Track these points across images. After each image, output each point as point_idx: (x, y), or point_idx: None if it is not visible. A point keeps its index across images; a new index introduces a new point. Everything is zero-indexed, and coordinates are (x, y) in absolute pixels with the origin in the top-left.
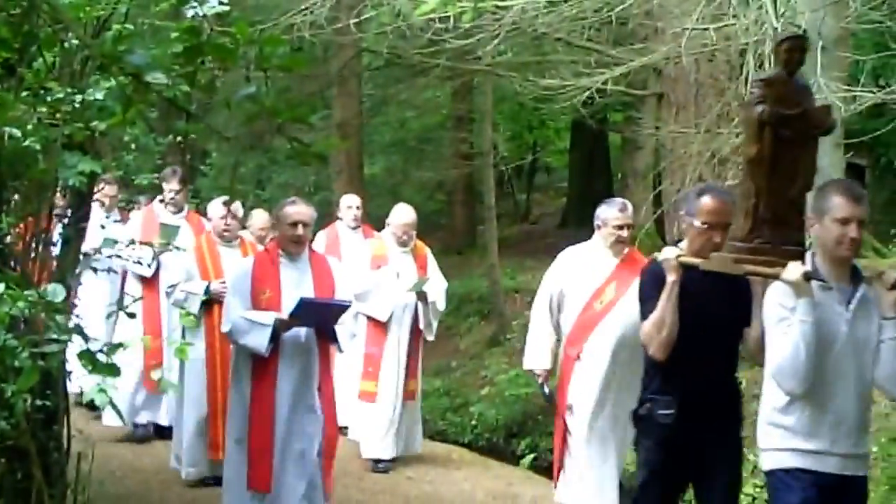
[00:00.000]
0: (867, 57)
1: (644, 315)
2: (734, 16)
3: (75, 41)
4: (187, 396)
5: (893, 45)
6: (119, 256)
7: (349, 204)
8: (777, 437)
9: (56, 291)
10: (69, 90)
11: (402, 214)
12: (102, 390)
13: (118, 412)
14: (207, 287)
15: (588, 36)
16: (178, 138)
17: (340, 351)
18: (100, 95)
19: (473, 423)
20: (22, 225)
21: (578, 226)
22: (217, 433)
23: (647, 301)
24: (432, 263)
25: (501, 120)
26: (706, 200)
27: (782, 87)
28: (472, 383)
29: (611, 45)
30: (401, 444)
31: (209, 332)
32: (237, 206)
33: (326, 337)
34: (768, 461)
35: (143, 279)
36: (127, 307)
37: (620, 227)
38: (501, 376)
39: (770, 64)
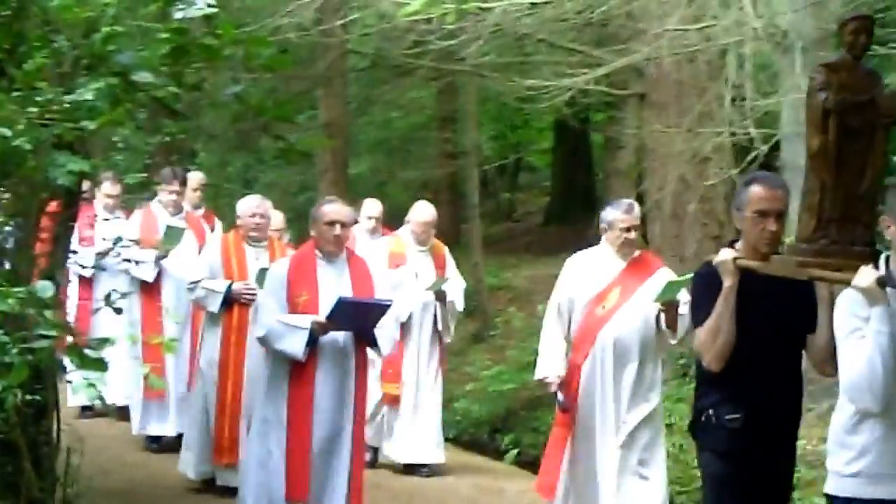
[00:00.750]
0: None
1: (697, 322)
2: (714, 17)
3: (65, 42)
4: (197, 396)
5: (872, 45)
6: (126, 260)
7: (369, 214)
8: (843, 460)
9: (45, 288)
10: (59, 90)
11: (422, 212)
12: (91, 385)
13: (108, 409)
14: (230, 287)
15: (570, 37)
16: (167, 138)
17: (380, 355)
18: (89, 96)
19: (458, 418)
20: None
21: (561, 224)
22: (223, 437)
23: (701, 307)
24: (450, 263)
25: (485, 120)
26: (755, 189)
27: (848, 72)
28: (456, 379)
29: (593, 46)
30: (420, 447)
31: (225, 332)
32: (268, 206)
33: (366, 340)
34: (831, 484)
35: (142, 282)
36: (114, 303)
37: (627, 230)
38: (485, 372)
39: (751, 64)
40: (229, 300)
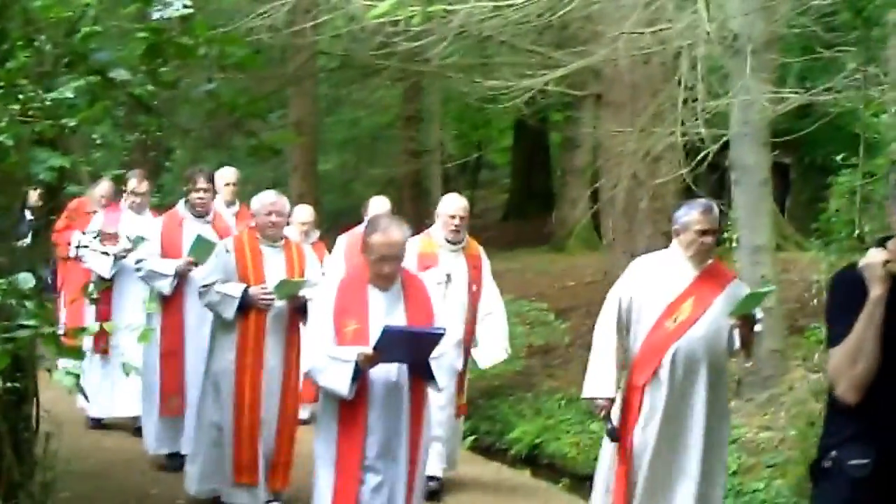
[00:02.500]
0: (795, 60)
1: (833, 340)
2: (669, 20)
3: (46, 41)
4: (207, 407)
5: (819, 48)
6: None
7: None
8: None
9: (26, 280)
10: (40, 88)
11: (452, 203)
12: (70, 373)
13: (84, 394)
14: (246, 290)
15: (531, 39)
16: (144, 135)
17: (438, 390)
18: (69, 93)
19: None
20: None
21: (520, 220)
22: (243, 454)
23: (838, 322)
24: (486, 266)
25: (448, 119)
26: None
27: None
28: None
29: (552, 48)
30: (443, 460)
31: (241, 340)
32: (284, 202)
33: (420, 373)
34: None
35: (160, 294)
36: (91, 294)
37: (704, 233)
38: None
39: (702, 66)
40: (245, 305)
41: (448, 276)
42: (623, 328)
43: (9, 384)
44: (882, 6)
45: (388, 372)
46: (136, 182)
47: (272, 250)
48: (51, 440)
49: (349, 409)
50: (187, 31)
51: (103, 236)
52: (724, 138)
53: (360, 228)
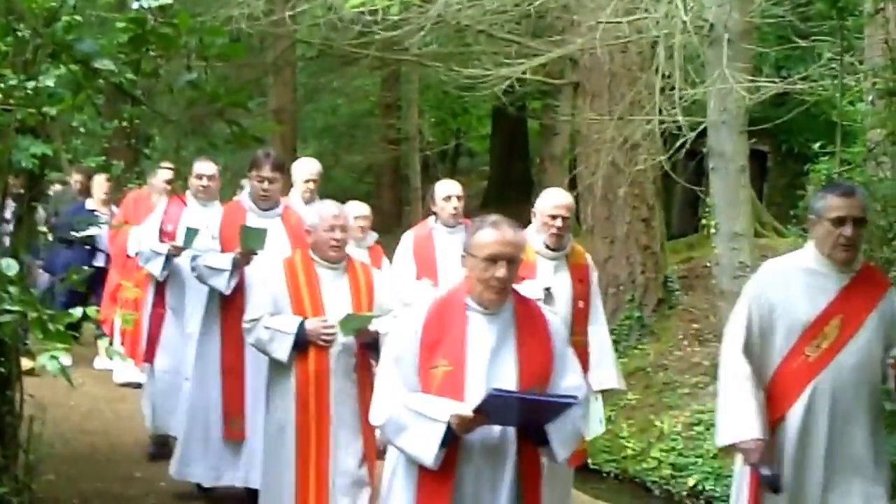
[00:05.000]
0: (771, 49)
1: None
2: (646, 10)
3: (28, 30)
4: (272, 458)
5: (795, 37)
6: (195, 269)
7: (447, 193)
8: None
9: (9, 266)
10: (22, 77)
11: (553, 198)
12: (54, 357)
13: (69, 379)
14: (302, 325)
15: (508, 28)
16: (124, 123)
17: (555, 461)
18: (51, 82)
19: None
20: None
21: (498, 207)
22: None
23: None
24: (594, 279)
25: (426, 107)
26: None
27: None
28: None
29: (530, 37)
30: None
31: (300, 387)
32: (349, 215)
33: (531, 437)
34: None
35: (221, 296)
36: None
37: (842, 221)
38: None
39: (680, 55)
40: (302, 343)
41: (548, 290)
42: (755, 352)
43: None
44: None
45: (487, 430)
46: (203, 165)
47: (332, 273)
48: (34, 424)
49: (431, 480)
50: (169, 22)
51: (163, 233)
52: (702, 126)
53: (430, 222)
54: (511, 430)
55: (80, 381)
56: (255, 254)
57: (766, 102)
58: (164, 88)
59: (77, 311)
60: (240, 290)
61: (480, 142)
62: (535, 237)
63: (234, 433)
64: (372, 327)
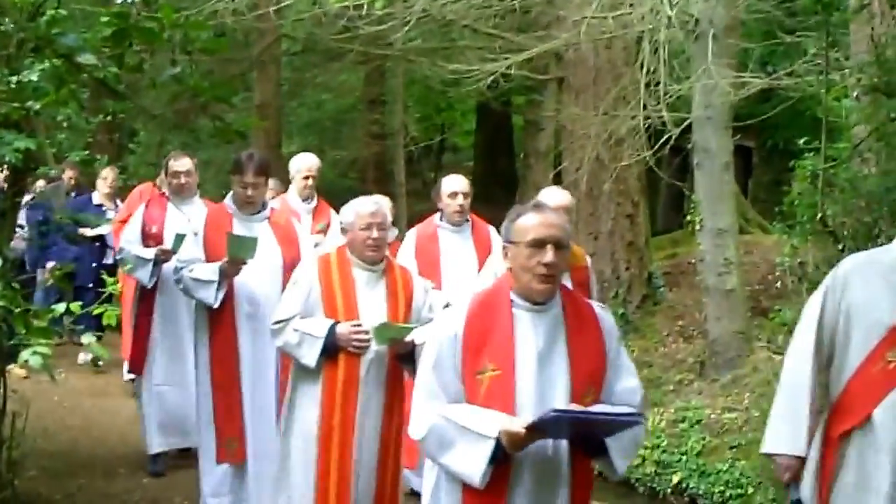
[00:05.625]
0: (756, 44)
1: None
2: (631, 5)
3: (11, 25)
4: (293, 470)
5: (780, 33)
6: (179, 281)
7: (453, 189)
8: None
9: None
10: (5, 72)
11: (552, 197)
12: (36, 353)
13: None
14: (332, 328)
15: (493, 23)
16: (108, 117)
17: (614, 474)
18: (34, 77)
19: None
20: None
21: (483, 203)
22: None
23: None
24: (593, 280)
25: (411, 102)
26: None
27: None
28: None
29: (515, 32)
30: None
31: (327, 393)
32: (387, 211)
33: (586, 451)
34: None
35: (209, 307)
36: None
37: None
38: None
39: (664, 50)
40: (331, 348)
41: None
42: (825, 356)
43: None
44: None
45: (539, 445)
46: (179, 163)
47: (369, 275)
48: (17, 419)
49: (479, 501)
50: (152, 16)
51: (146, 235)
52: (687, 122)
53: (435, 220)
54: (564, 444)
55: (63, 375)
56: (245, 263)
57: (752, 98)
58: (148, 83)
59: (60, 307)
60: (229, 299)
61: (465, 137)
62: None
63: (230, 455)
64: (408, 337)
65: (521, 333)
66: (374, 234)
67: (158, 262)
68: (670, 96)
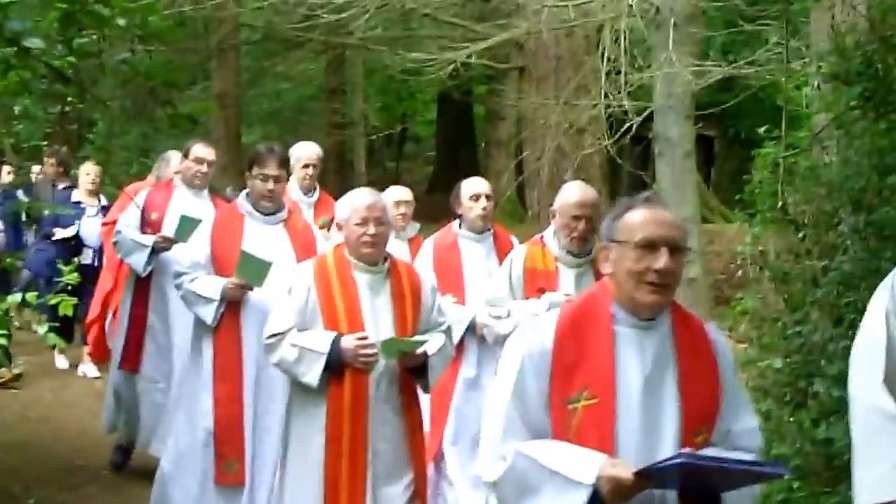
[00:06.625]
0: (717, 34)
1: None
2: None
3: None
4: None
5: (741, 22)
6: (180, 287)
7: (475, 192)
8: None
9: None
10: None
11: (576, 194)
12: None
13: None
14: (336, 342)
15: (453, 12)
16: (65, 107)
17: None
18: None
19: None
20: None
21: (445, 192)
22: None
23: None
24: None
25: (372, 92)
26: None
27: None
28: None
29: (475, 21)
30: None
31: (332, 416)
32: (386, 203)
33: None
34: None
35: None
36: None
37: None
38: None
39: (625, 39)
40: (335, 364)
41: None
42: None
43: None
44: None
45: (643, 496)
46: (203, 149)
47: (371, 277)
48: None
49: None
50: (103, 1)
51: (146, 222)
52: (648, 110)
53: (454, 227)
54: (673, 497)
55: (24, 367)
56: (251, 289)
57: (713, 87)
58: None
59: (16, 297)
60: (235, 310)
61: (426, 127)
62: (553, 241)
63: (229, 478)
64: (419, 350)
65: (624, 355)
66: (371, 229)
67: (157, 249)
68: (631, 85)
